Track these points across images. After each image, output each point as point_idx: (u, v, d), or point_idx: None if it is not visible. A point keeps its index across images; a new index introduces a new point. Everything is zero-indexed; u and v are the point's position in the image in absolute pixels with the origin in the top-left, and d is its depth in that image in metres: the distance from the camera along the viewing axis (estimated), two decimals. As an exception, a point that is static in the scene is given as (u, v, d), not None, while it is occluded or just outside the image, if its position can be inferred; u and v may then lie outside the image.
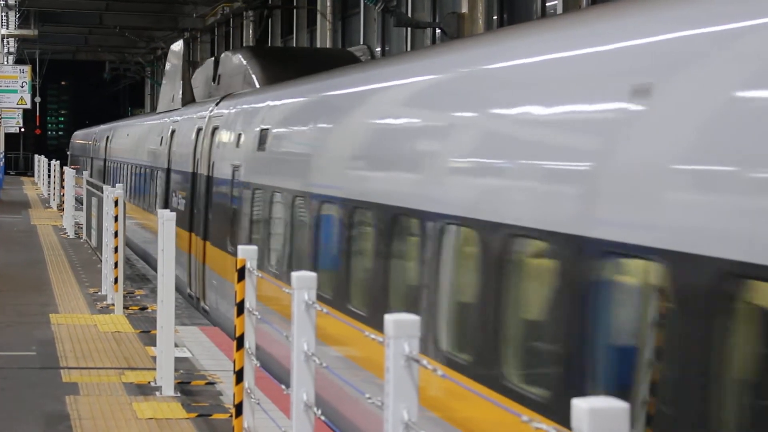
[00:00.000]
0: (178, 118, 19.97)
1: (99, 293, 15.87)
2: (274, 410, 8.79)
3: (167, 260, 9.85)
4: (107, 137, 34.10)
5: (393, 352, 4.60)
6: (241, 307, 7.48)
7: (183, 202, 17.90)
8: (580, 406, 3.07)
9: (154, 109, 68.49)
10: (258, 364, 7.50)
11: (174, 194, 19.00)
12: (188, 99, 21.23)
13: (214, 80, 19.84)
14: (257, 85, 16.37)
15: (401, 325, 4.62)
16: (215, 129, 15.76)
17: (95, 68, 79.79)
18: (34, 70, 52.27)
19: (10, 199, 40.82)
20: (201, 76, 21.53)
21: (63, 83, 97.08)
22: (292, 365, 6.29)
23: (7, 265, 19.39)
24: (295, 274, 6.30)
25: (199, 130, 17.11)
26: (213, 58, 20.97)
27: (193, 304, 16.39)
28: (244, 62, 17.36)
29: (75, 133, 55.64)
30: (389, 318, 4.63)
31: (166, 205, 19.43)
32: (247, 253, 7.52)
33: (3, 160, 51.37)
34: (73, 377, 10.48)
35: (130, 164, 26.31)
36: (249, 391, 7.50)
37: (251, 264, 7.46)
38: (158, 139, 21.68)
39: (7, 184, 51.79)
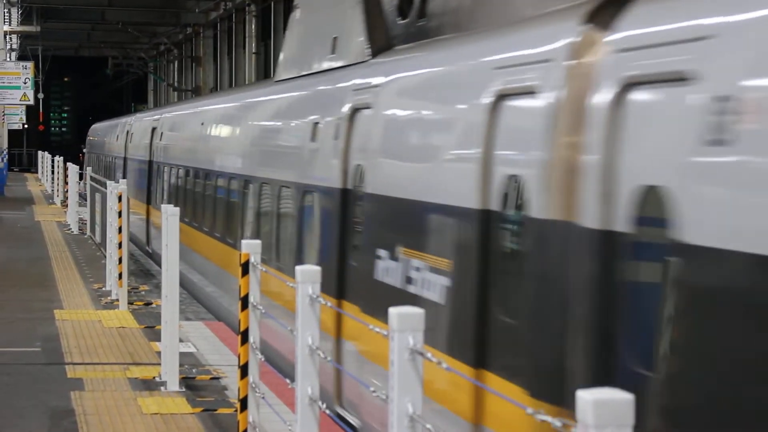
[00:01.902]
0: (376, 80, 9.47)
1: (103, 289, 15.88)
2: (279, 404, 8.81)
3: (171, 255, 9.85)
4: (153, 129, 24.24)
5: (397, 345, 4.60)
6: (245, 303, 7.48)
7: (434, 284, 7.38)
8: (584, 397, 3.06)
9: (157, 104, 68.13)
10: (263, 359, 7.50)
11: (371, 251, 8.75)
12: (383, 43, 10.31)
13: (403, 14, 10.19)
14: None
15: (406, 318, 4.62)
16: (625, 92, 5.31)
17: (98, 64, 79.88)
18: (36, 66, 52.26)
19: (13, 195, 40.86)
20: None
21: (66, 79, 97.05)
22: (296, 359, 6.29)
23: (12, 261, 19.41)
24: (299, 268, 6.30)
25: (492, 107, 6.74)
26: None
27: None
28: None
29: (93, 126, 47.79)
30: (393, 311, 4.62)
31: (340, 271, 9.55)
32: (250, 247, 7.51)
33: (6, 156, 51.36)
34: (78, 373, 10.49)
35: (216, 174, 16.29)
36: (254, 385, 7.50)
37: (255, 258, 7.46)
38: (305, 127, 11.40)
39: (10, 180, 51.77)
